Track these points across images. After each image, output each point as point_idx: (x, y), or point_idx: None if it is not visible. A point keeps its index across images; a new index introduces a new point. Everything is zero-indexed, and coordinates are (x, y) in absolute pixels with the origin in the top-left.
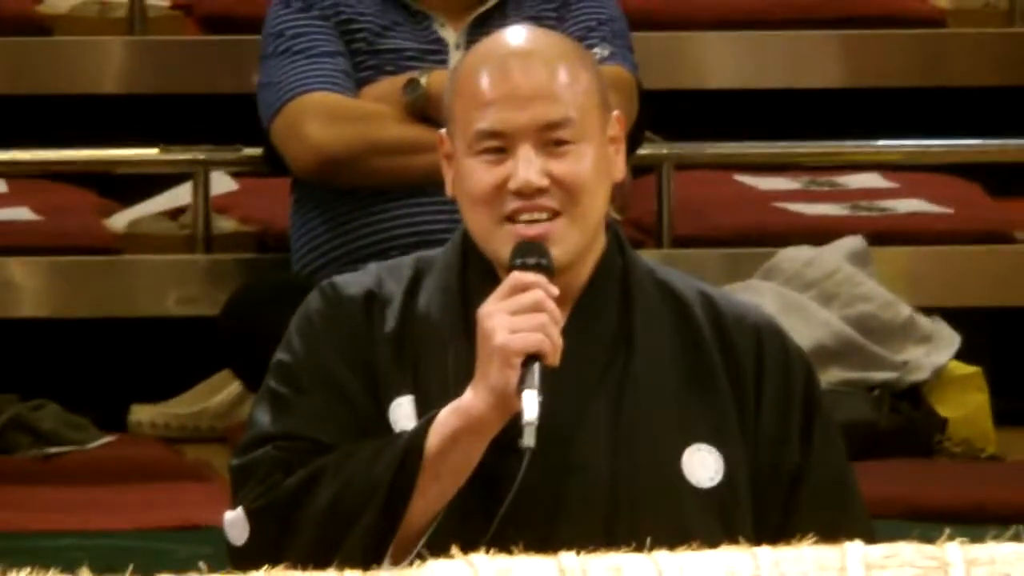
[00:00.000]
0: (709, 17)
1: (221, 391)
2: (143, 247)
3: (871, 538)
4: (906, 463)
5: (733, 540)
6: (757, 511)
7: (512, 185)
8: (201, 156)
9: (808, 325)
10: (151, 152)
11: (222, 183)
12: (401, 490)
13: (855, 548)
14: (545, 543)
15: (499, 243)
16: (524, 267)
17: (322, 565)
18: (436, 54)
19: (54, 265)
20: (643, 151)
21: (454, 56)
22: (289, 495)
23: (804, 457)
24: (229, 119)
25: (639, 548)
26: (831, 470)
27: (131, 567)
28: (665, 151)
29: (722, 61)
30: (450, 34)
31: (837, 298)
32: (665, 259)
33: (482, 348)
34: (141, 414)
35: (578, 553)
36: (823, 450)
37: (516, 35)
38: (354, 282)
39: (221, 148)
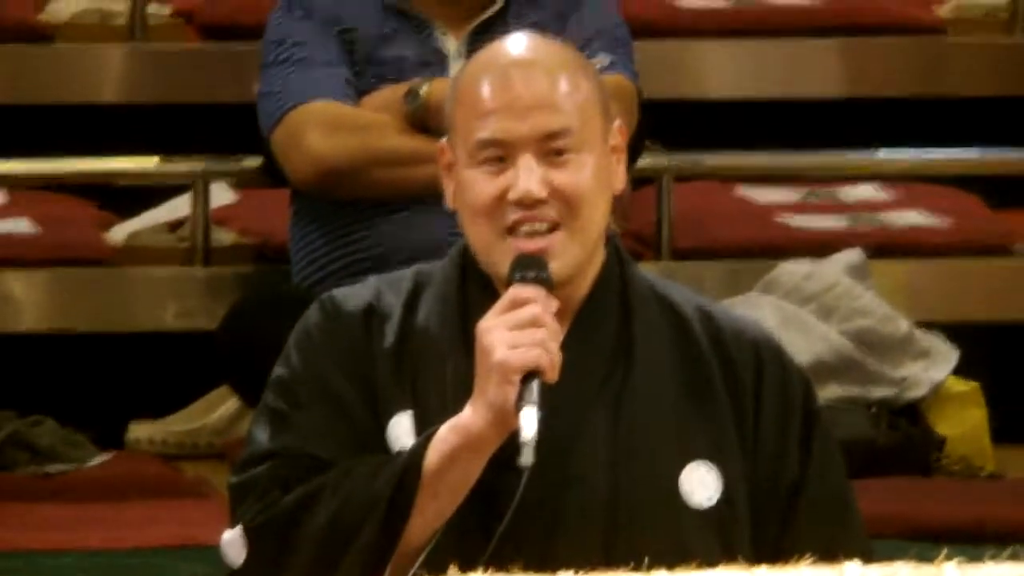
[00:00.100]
0: (709, 26)
1: (219, 407)
2: (142, 259)
3: (869, 556)
4: (904, 481)
5: (731, 558)
6: (755, 527)
7: (512, 195)
8: (200, 167)
9: (807, 339)
10: (150, 164)
11: (221, 195)
12: (400, 508)
13: (853, 568)
14: (544, 560)
15: (499, 257)
16: (523, 281)
17: None
18: (437, 63)
19: (52, 277)
20: (643, 163)
21: (455, 65)
22: (287, 513)
23: (803, 473)
24: (229, 128)
25: (638, 566)
26: (830, 486)
27: None
28: (665, 162)
29: (723, 70)
30: (451, 43)
31: (836, 312)
32: (664, 272)
33: (481, 364)
34: (139, 431)
35: (576, 572)
36: (822, 466)
37: (517, 44)
38: (353, 296)
39: (220, 159)
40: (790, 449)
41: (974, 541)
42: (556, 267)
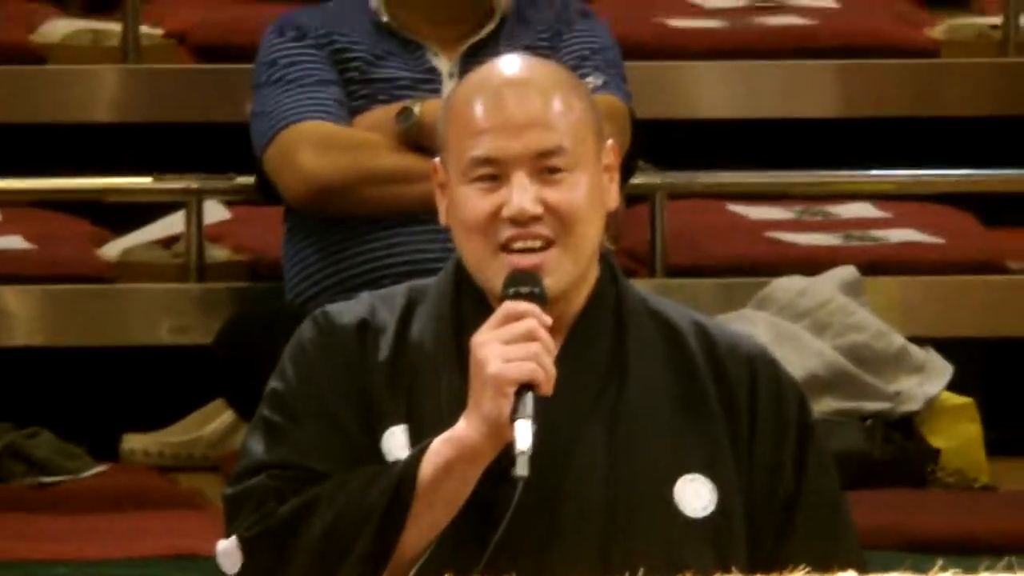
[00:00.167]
0: (702, 47)
1: (214, 420)
2: (136, 276)
3: (863, 568)
4: (899, 493)
5: (726, 570)
6: (751, 540)
7: (506, 213)
8: (194, 185)
9: (801, 355)
10: (144, 181)
11: (215, 212)
12: (394, 519)
13: None
14: (538, 572)
15: (493, 272)
16: (517, 296)
17: None
18: (429, 83)
19: (47, 294)
20: (636, 180)
21: (447, 85)
22: (282, 524)
23: (797, 486)
24: (222, 148)
25: None
26: (824, 499)
27: None
28: (658, 180)
29: (715, 91)
30: (443, 63)
31: (830, 328)
32: (658, 288)
33: (475, 377)
34: (134, 443)
35: None
36: (816, 479)
37: (510, 64)
38: (347, 311)
39: (214, 177)
40: (785, 463)
41: (968, 552)
42: (550, 283)
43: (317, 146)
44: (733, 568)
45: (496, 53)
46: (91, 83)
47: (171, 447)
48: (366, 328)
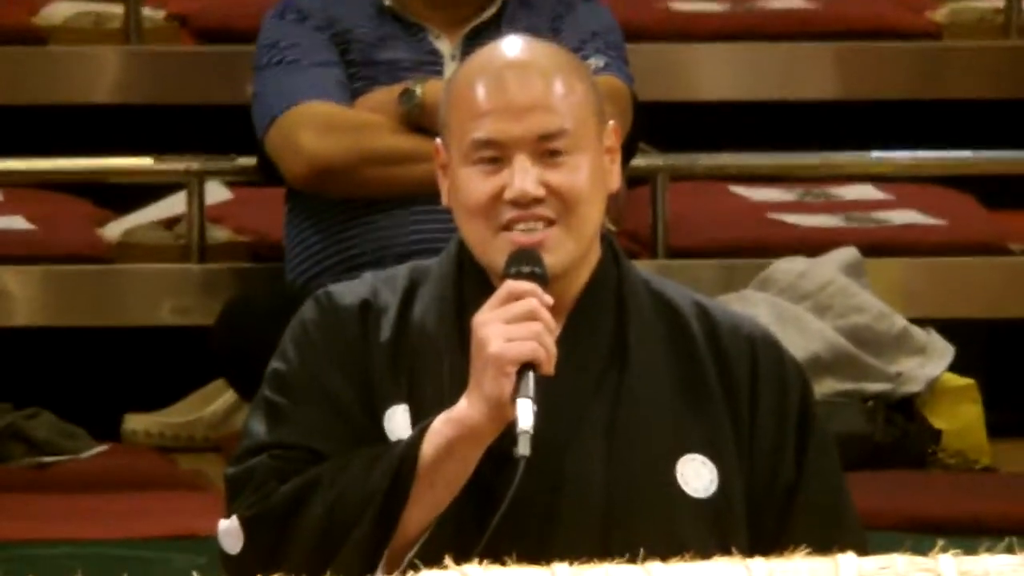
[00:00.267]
0: (703, 29)
1: (215, 401)
2: (137, 256)
3: (864, 550)
4: (900, 474)
5: (727, 551)
6: (752, 522)
7: (508, 195)
8: (195, 166)
9: (803, 336)
10: (145, 162)
11: (216, 193)
12: (396, 499)
13: (848, 560)
14: (539, 553)
15: (495, 252)
16: (518, 276)
17: (316, 574)
18: (431, 65)
19: (48, 274)
20: (637, 162)
21: (449, 68)
22: (284, 504)
23: (799, 469)
24: (223, 129)
25: (633, 559)
26: (826, 482)
27: None
28: (660, 162)
29: (717, 73)
30: (445, 46)
31: (831, 309)
32: (660, 270)
33: (476, 357)
34: (135, 423)
35: (572, 563)
36: (818, 462)
37: (512, 46)
38: (349, 291)
39: (215, 158)
40: (786, 445)
41: (969, 533)
42: (551, 261)
43: (318, 127)
44: (734, 549)
45: (498, 35)
46: (93, 65)
47: (172, 428)
48: (368, 308)
